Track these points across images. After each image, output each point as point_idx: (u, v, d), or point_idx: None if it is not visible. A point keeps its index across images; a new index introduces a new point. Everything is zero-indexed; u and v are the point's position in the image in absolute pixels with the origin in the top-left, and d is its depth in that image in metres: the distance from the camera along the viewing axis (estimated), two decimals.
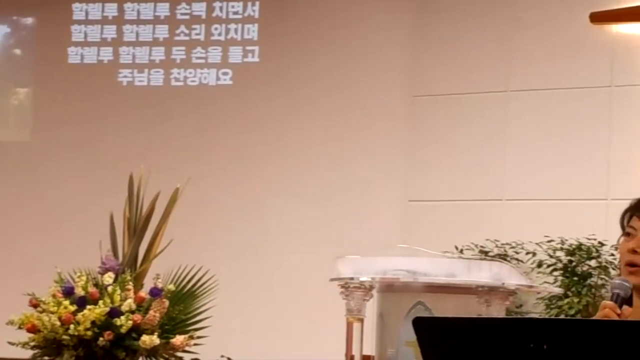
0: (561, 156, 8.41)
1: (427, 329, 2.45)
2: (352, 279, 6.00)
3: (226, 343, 7.70)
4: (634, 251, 2.82)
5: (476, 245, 8.30)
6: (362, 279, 5.97)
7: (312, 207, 9.17)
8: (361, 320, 6.06)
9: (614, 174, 8.18)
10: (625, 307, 2.75)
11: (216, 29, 9.65)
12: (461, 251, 8.24)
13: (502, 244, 8.29)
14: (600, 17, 8.37)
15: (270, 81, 9.46)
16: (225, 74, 9.62)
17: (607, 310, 2.71)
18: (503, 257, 8.08)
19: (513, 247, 8.26)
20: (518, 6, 8.70)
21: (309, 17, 9.44)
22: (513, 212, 8.50)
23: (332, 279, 6.11)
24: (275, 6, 9.57)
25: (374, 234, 8.51)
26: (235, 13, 9.64)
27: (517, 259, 8.18)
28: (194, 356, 6.29)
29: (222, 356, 7.73)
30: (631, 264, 2.83)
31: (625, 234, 2.88)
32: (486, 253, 8.22)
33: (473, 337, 2.41)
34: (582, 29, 8.38)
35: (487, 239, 8.32)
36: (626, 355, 2.33)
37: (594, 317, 2.76)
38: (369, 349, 6.12)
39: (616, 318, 2.69)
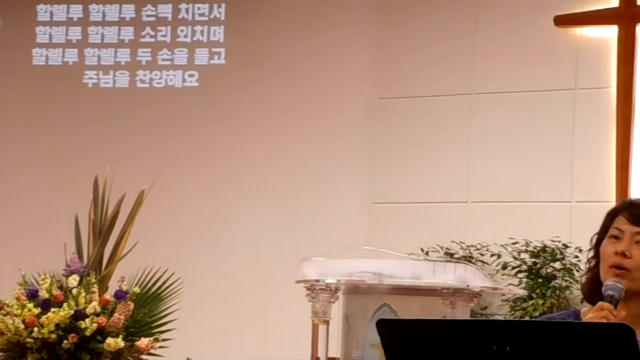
0: (525, 158, 8.45)
1: (390, 331, 2.46)
2: (317, 281, 6.00)
3: (192, 345, 7.67)
4: (622, 254, 2.80)
5: (441, 247, 8.33)
6: (328, 281, 5.97)
7: (277, 209, 9.17)
8: (327, 322, 6.06)
9: (577, 176, 8.23)
10: (618, 308, 2.73)
11: (182, 30, 9.63)
12: (427, 253, 8.26)
13: (467, 246, 8.33)
14: (565, 20, 8.43)
15: (236, 83, 9.46)
16: (191, 75, 9.60)
17: (605, 312, 2.68)
18: (468, 259, 8.12)
19: (478, 249, 8.30)
20: (483, 9, 8.74)
21: (275, 20, 9.44)
22: (478, 214, 8.54)
23: (298, 281, 6.11)
24: (241, 8, 9.56)
25: (340, 236, 8.52)
26: (202, 15, 9.62)
27: (482, 261, 8.21)
28: (159, 359, 6.27)
29: (188, 359, 7.71)
30: (618, 267, 2.81)
31: (611, 235, 2.85)
32: (451, 255, 8.25)
33: (436, 338, 2.42)
34: (546, 32, 8.43)
35: (453, 241, 8.35)
36: (588, 356, 2.35)
37: (588, 317, 2.74)
38: (335, 351, 6.12)
39: (614, 320, 2.67)
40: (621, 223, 2.83)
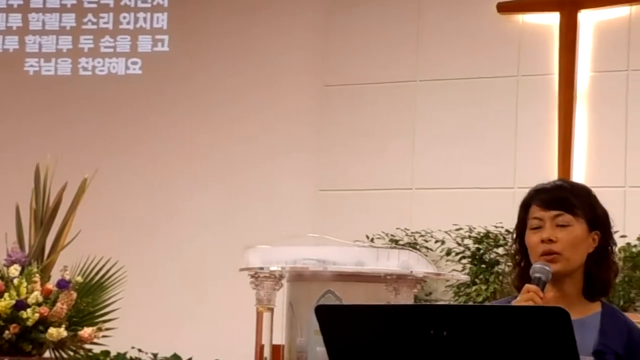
0: (469, 145, 8.50)
1: (329, 317, 2.46)
2: (261, 268, 6.00)
3: (137, 334, 7.64)
4: (549, 240, 2.84)
5: (387, 234, 8.36)
6: (272, 268, 5.97)
7: (222, 197, 9.15)
8: (271, 310, 6.07)
9: (520, 163, 8.30)
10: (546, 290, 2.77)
11: (125, 17, 9.55)
12: (372, 240, 8.29)
13: (412, 233, 8.37)
14: (507, 7, 8.48)
15: (180, 70, 9.41)
16: (134, 63, 9.53)
17: (531, 294, 2.71)
18: (413, 245, 8.15)
19: (422, 236, 8.34)
20: None
21: (219, 6, 9.40)
22: (422, 200, 8.58)
23: (242, 269, 6.11)
24: None
25: (285, 224, 8.51)
26: (144, 2, 9.55)
27: (426, 247, 8.26)
28: (103, 348, 6.24)
29: (133, 347, 7.68)
30: (548, 253, 2.84)
31: (532, 227, 2.87)
32: (396, 242, 8.28)
33: (374, 324, 2.42)
34: (489, 19, 8.48)
35: (398, 228, 8.38)
36: (524, 339, 2.37)
37: (516, 301, 2.77)
38: (279, 338, 6.13)
39: (540, 302, 2.70)
40: (536, 211, 2.87)
